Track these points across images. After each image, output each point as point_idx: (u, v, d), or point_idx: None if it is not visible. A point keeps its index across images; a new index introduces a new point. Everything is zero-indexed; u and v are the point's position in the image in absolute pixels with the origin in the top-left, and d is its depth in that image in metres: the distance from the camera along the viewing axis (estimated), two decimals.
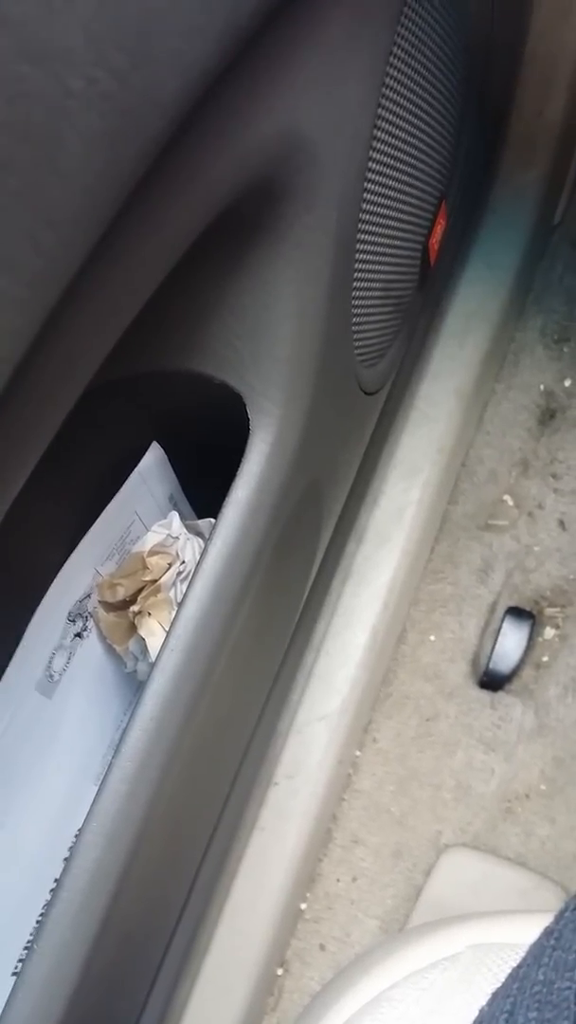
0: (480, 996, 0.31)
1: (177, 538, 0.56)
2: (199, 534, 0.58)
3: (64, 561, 0.51)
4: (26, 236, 0.26)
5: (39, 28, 0.25)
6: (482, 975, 0.38)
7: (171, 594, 0.56)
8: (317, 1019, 0.44)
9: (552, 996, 0.27)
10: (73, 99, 0.26)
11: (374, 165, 0.49)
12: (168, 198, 0.32)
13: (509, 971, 0.30)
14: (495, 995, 0.30)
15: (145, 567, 0.55)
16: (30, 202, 0.25)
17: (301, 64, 0.39)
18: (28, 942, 0.48)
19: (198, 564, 0.49)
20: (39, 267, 0.26)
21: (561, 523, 0.89)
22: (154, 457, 0.56)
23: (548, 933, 0.30)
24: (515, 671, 0.84)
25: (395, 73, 0.48)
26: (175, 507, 0.60)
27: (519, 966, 0.30)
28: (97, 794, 0.46)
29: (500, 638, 0.84)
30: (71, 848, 0.46)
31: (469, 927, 0.42)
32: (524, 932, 0.40)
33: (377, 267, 0.54)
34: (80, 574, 0.53)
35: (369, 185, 0.49)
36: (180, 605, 0.49)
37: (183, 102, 0.29)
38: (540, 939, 0.30)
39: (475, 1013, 0.31)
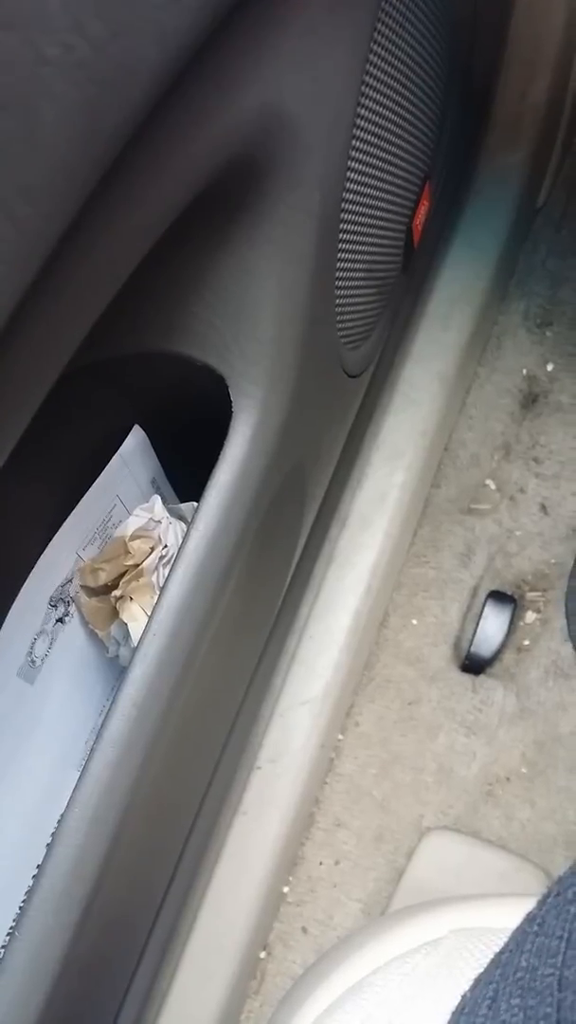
0: (462, 980, 0.31)
1: (159, 522, 0.56)
2: (181, 518, 0.58)
3: (45, 546, 0.50)
4: (0, 208, 0.25)
5: None
6: (464, 960, 0.39)
7: (153, 578, 0.55)
8: (300, 1004, 0.44)
9: (535, 982, 0.27)
10: (48, 67, 0.25)
11: (358, 144, 0.48)
12: (148, 173, 0.32)
13: (491, 956, 0.30)
14: (478, 981, 0.30)
15: (127, 551, 0.55)
16: (4, 173, 0.25)
17: (283, 39, 0.38)
18: (10, 928, 0.47)
19: (180, 548, 0.49)
20: (14, 241, 0.26)
21: (543, 507, 0.90)
22: (136, 440, 0.56)
23: (531, 919, 0.29)
24: (497, 655, 0.84)
25: (379, 51, 0.48)
26: (157, 491, 0.59)
27: (501, 952, 0.30)
28: (79, 780, 0.46)
29: (482, 622, 0.84)
30: (53, 834, 0.46)
31: (451, 911, 0.42)
32: (506, 916, 0.40)
33: (361, 248, 0.54)
34: (61, 559, 0.52)
35: (353, 164, 0.48)
36: (162, 590, 0.48)
37: (162, 74, 0.29)
38: (523, 925, 0.30)
39: (457, 998, 0.31)
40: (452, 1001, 0.31)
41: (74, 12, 0.25)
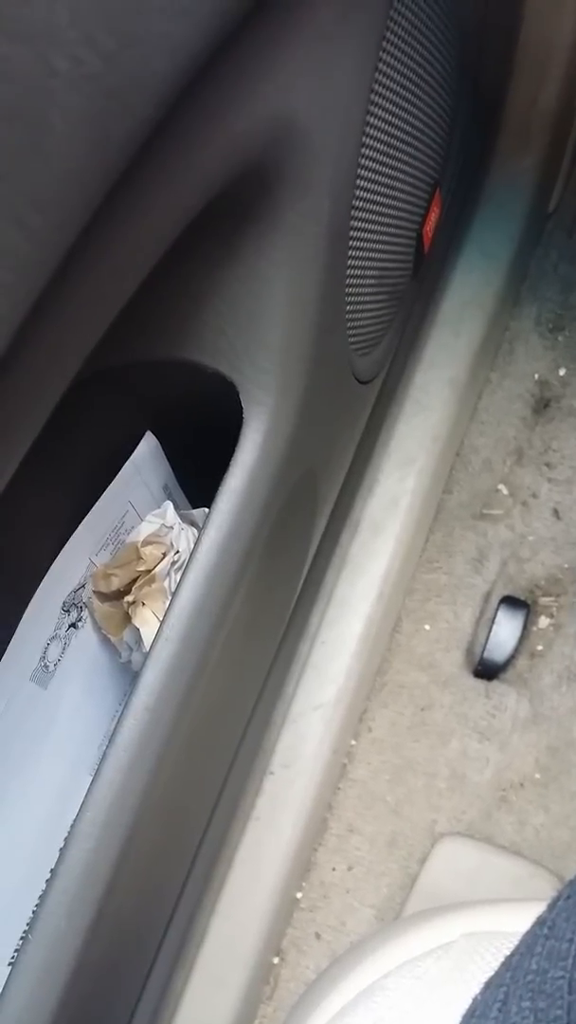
0: (474, 984, 0.31)
1: (171, 528, 0.56)
2: (193, 524, 0.58)
3: (58, 551, 0.51)
4: (11, 219, 0.25)
5: (22, 6, 0.24)
6: (475, 963, 0.39)
7: (165, 584, 0.55)
8: (312, 1007, 0.44)
9: (545, 985, 0.27)
10: (58, 79, 0.25)
11: (367, 151, 0.48)
12: (158, 182, 0.32)
13: (502, 959, 0.30)
14: (488, 984, 0.30)
15: (139, 557, 0.55)
16: (15, 184, 0.25)
17: (293, 48, 0.39)
18: (24, 932, 0.48)
19: (192, 554, 0.49)
20: (25, 251, 0.26)
21: (555, 512, 0.89)
22: (148, 447, 0.56)
23: (541, 922, 0.29)
24: (510, 660, 0.84)
25: (388, 58, 0.48)
26: (169, 497, 0.60)
27: (512, 955, 0.30)
28: (91, 784, 0.46)
29: (495, 627, 0.84)
30: (66, 838, 0.46)
31: (463, 915, 0.42)
32: (518, 920, 0.40)
33: (371, 254, 0.54)
34: (74, 564, 0.53)
35: (362, 172, 0.48)
36: (174, 595, 0.49)
37: (172, 84, 0.29)
38: (533, 928, 0.30)
39: (468, 1001, 0.31)
40: (463, 1004, 0.31)
41: (83, 25, 0.25)
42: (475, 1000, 0.30)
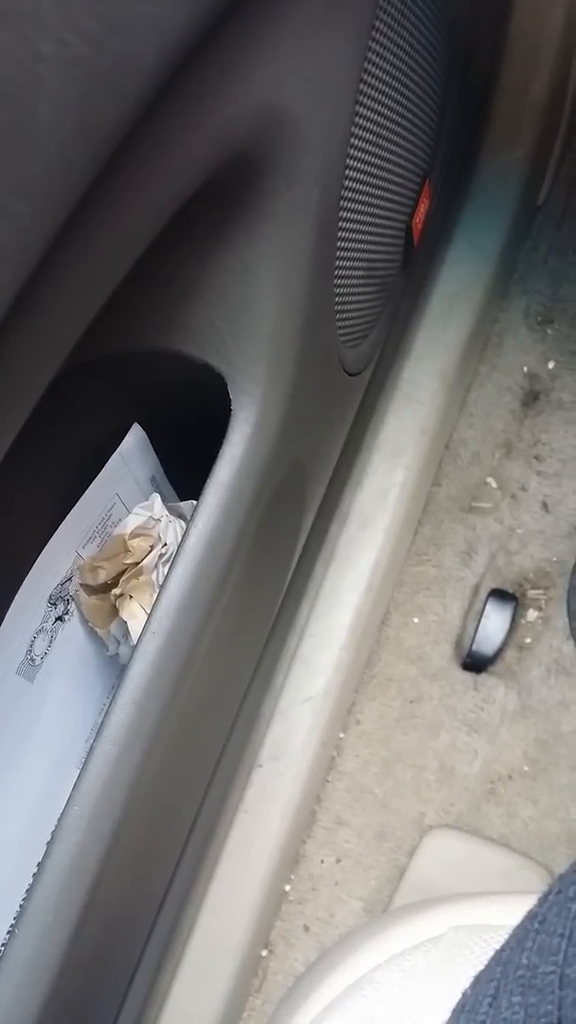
0: (462, 978, 0.31)
1: (159, 520, 0.56)
2: (181, 516, 0.58)
3: (44, 544, 0.50)
4: None
5: None
6: (464, 957, 0.39)
7: (153, 576, 0.55)
8: (301, 1001, 0.44)
9: (536, 980, 0.27)
10: (43, 63, 0.25)
11: (356, 141, 0.48)
12: (145, 169, 0.32)
13: (491, 953, 0.30)
14: (478, 978, 0.30)
15: (127, 550, 0.55)
16: None
17: (281, 36, 0.38)
18: (10, 926, 0.47)
19: (179, 546, 0.49)
20: (9, 237, 0.26)
21: (544, 505, 0.89)
22: (135, 439, 0.56)
23: (532, 916, 0.29)
24: (498, 653, 0.84)
25: (377, 48, 0.48)
26: (157, 489, 0.59)
27: (502, 949, 0.30)
28: (78, 778, 0.46)
29: (483, 620, 0.84)
30: (53, 832, 0.46)
31: (451, 909, 0.42)
32: (506, 913, 0.40)
33: (360, 246, 0.54)
34: (61, 557, 0.52)
35: (351, 162, 0.48)
36: (161, 588, 0.48)
37: (159, 70, 0.28)
38: (524, 922, 0.30)
39: (457, 995, 0.30)
40: (452, 998, 0.31)
41: (69, 9, 0.25)
42: (465, 995, 0.30)
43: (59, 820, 0.46)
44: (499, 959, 0.30)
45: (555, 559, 0.88)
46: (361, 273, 0.56)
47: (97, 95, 0.26)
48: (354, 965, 0.42)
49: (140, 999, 0.64)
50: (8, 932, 0.48)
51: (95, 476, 0.53)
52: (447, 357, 0.88)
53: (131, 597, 0.54)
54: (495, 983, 0.29)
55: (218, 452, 0.49)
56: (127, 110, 0.28)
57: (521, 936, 0.29)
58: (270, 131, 0.40)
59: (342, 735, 0.84)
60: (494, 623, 0.84)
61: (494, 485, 0.91)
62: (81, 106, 0.26)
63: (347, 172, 0.48)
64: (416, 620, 0.87)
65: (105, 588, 0.55)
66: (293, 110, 0.41)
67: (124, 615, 0.54)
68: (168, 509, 0.57)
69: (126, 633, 0.55)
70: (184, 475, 0.60)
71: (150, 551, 0.55)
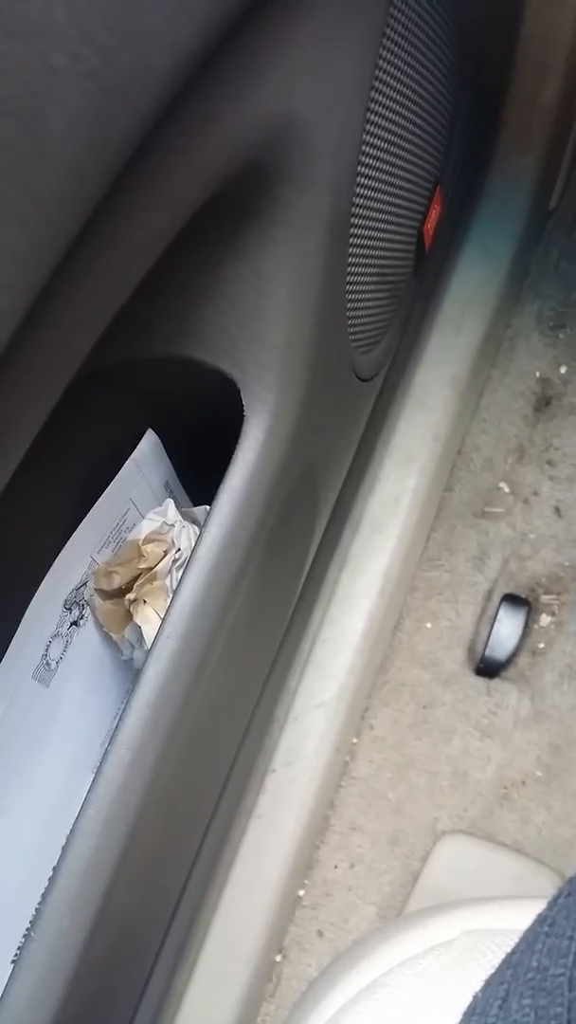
0: (474, 981, 0.31)
1: (172, 525, 0.56)
2: (195, 521, 0.58)
3: (60, 549, 0.51)
4: (10, 216, 0.25)
5: (19, 2, 0.24)
6: (476, 960, 0.39)
7: (167, 581, 0.56)
8: (314, 1005, 0.44)
9: (546, 983, 0.27)
10: (56, 76, 0.25)
11: (368, 148, 0.48)
12: (158, 179, 0.32)
13: (502, 957, 0.30)
14: (489, 981, 0.30)
15: (141, 555, 0.55)
16: (14, 181, 0.25)
17: (293, 45, 0.39)
18: (27, 930, 0.48)
19: (193, 551, 0.49)
20: (24, 248, 0.26)
21: (557, 510, 0.89)
22: (149, 444, 0.56)
23: (542, 920, 0.29)
24: (511, 658, 0.84)
25: (388, 55, 0.48)
26: (170, 494, 0.60)
27: (512, 952, 0.30)
28: (93, 782, 0.46)
29: (496, 625, 0.84)
30: (68, 836, 0.46)
31: (463, 913, 0.42)
32: (518, 917, 0.40)
33: (371, 252, 0.54)
34: (76, 562, 0.53)
35: (363, 169, 0.48)
36: (175, 593, 0.49)
37: (171, 81, 0.29)
38: (534, 925, 0.30)
39: (469, 998, 0.31)
40: (463, 1001, 0.31)
41: (81, 22, 0.25)
42: (476, 997, 0.30)
43: (74, 824, 0.46)
44: (509, 962, 0.30)
45: (568, 564, 0.87)
46: (373, 279, 0.56)
47: (110, 107, 0.27)
48: (367, 969, 0.42)
49: (154, 1003, 0.64)
50: (24, 935, 0.48)
51: (109, 482, 0.53)
52: (459, 362, 0.88)
53: (145, 602, 0.55)
54: (505, 986, 0.29)
55: (231, 458, 0.49)
56: (139, 121, 0.28)
57: (531, 939, 0.29)
58: (282, 139, 0.40)
59: (355, 740, 0.84)
60: (507, 628, 0.84)
61: (506, 490, 0.91)
62: (94, 118, 0.27)
63: (358, 179, 0.48)
64: (429, 625, 0.87)
65: (119, 593, 0.55)
66: (305, 118, 0.41)
67: (138, 620, 0.54)
68: (182, 514, 0.57)
69: (140, 638, 0.55)
70: (197, 481, 0.61)
71: (164, 556, 0.55)
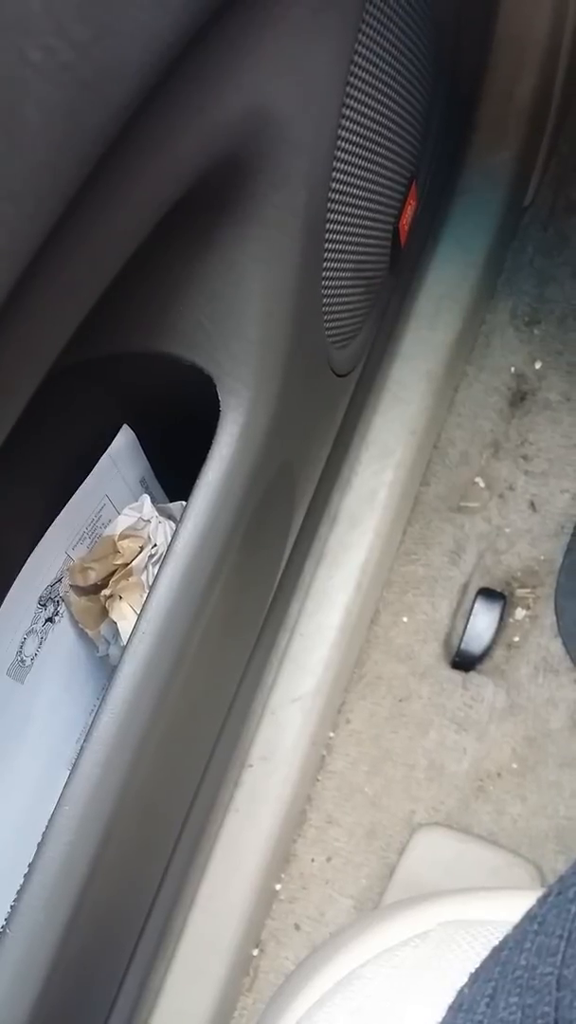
0: (450, 972, 0.31)
1: (148, 521, 0.56)
2: (171, 517, 0.58)
3: (34, 545, 0.50)
4: None
5: None
6: (452, 952, 0.39)
7: (143, 577, 0.55)
8: (291, 998, 0.44)
9: (534, 981, 0.27)
10: (31, 69, 0.25)
11: (343, 144, 0.48)
12: (133, 172, 0.32)
13: (479, 947, 0.30)
14: (475, 977, 0.30)
15: (116, 551, 0.55)
16: None
17: (268, 40, 0.38)
18: (1, 926, 0.48)
19: (169, 547, 0.49)
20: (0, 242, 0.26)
21: (532, 504, 0.90)
22: (124, 440, 0.56)
23: (531, 917, 0.29)
24: (487, 651, 0.84)
25: (364, 51, 0.48)
26: (146, 490, 0.60)
27: (500, 948, 0.30)
28: (69, 778, 0.46)
29: (472, 619, 0.84)
30: (43, 833, 0.46)
31: (439, 905, 0.42)
32: (493, 909, 0.41)
33: (347, 247, 0.54)
34: (51, 558, 0.52)
35: (338, 164, 0.48)
36: (151, 588, 0.49)
37: (146, 75, 0.29)
38: (522, 923, 0.30)
39: (445, 989, 0.31)
40: (440, 992, 0.31)
41: (56, 15, 0.25)
42: (461, 993, 0.30)
43: (49, 821, 0.46)
44: (497, 959, 0.30)
45: (543, 558, 0.88)
46: (349, 274, 0.56)
47: (85, 100, 0.27)
48: (343, 961, 0.42)
49: (131, 998, 0.64)
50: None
51: (85, 478, 0.53)
52: (435, 358, 0.88)
53: (121, 598, 0.54)
54: (493, 983, 0.29)
55: (207, 453, 0.49)
56: (115, 115, 0.28)
57: (520, 937, 0.29)
58: (257, 134, 0.40)
59: (332, 734, 0.84)
60: (483, 622, 0.84)
61: (482, 485, 0.92)
62: (69, 111, 0.26)
63: (334, 174, 0.48)
64: (405, 619, 0.87)
65: (95, 589, 0.55)
66: (280, 113, 0.41)
67: (114, 616, 0.54)
68: (158, 510, 0.57)
69: (116, 634, 0.55)
70: (173, 476, 0.61)
71: (140, 552, 0.55)
